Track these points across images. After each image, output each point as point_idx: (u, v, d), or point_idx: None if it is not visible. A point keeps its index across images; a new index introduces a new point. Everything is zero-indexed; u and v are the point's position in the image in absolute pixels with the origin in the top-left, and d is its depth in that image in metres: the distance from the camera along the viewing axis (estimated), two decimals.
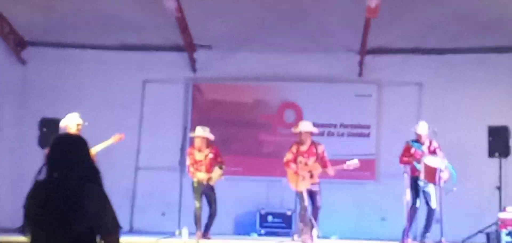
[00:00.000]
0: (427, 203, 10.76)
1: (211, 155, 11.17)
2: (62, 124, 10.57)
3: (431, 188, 10.65)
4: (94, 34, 13.86)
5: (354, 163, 10.87)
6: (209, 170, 11.11)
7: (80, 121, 10.48)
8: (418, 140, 10.89)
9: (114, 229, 3.64)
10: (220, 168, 11.13)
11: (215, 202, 11.15)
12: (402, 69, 13.68)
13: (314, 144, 11.07)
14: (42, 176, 3.65)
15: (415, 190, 10.68)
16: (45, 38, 14.11)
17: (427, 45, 13.55)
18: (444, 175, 10.47)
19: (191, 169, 11.14)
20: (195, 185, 11.11)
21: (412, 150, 10.85)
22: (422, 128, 10.90)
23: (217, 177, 11.13)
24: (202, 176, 11.06)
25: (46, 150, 10.13)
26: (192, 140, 11.54)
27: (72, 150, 3.69)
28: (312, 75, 13.76)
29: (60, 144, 3.75)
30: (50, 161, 3.68)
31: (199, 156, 11.15)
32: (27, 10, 13.19)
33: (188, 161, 11.19)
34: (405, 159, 10.87)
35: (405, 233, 10.46)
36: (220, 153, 11.30)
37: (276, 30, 13.34)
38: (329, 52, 13.73)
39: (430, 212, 10.73)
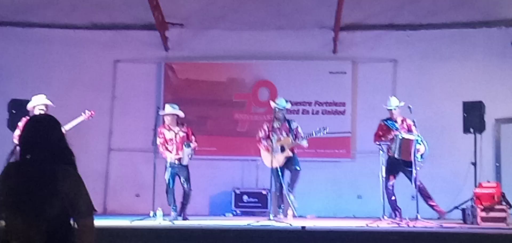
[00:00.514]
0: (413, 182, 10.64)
1: (182, 134, 10.97)
2: (29, 106, 10.40)
3: (411, 166, 10.53)
4: (63, 13, 13.62)
5: (323, 127, 10.77)
6: (179, 148, 10.94)
7: (48, 102, 10.31)
8: (390, 118, 10.81)
9: (88, 212, 3.60)
10: (188, 146, 10.93)
11: (188, 181, 10.98)
12: (376, 45, 13.63)
13: (287, 121, 11.01)
14: (14, 158, 3.62)
15: (390, 169, 10.63)
16: (13, 18, 13.80)
17: (402, 20, 13.50)
18: (421, 149, 10.43)
19: (161, 148, 10.96)
20: (167, 164, 10.94)
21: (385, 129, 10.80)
22: (392, 103, 10.80)
23: (185, 156, 10.94)
24: (171, 156, 10.89)
25: (16, 132, 10.03)
26: (163, 119, 11.35)
27: (45, 132, 3.65)
28: (286, 52, 13.65)
29: (33, 126, 3.72)
30: (23, 142, 3.65)
31: (169, 134, 10.95)
32: None
33: (158, 140, 11.00)
34: (379, 136, 10.80)
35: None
36: (192, 132, 11.11)
37: (249, 7, 13.22)
38: (303, 29, 13.64)
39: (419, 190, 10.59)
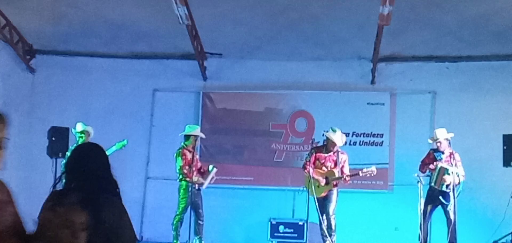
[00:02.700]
0: (446, 214, 10.65)
1: (197, 156, 10.93)
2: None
3: (449, 199, 10.53)
4: (103, 42, 13.79)
5: (371, 170, 10.78)
6: (198, 172, 10.92)
7: (87, 129, 10.53)
8: (438, 149, 10.81)
9: (130, 241, 3.63)
10: (212, 169, 10.91)
11: (202, 207, 10.94)
12: (415, 77, 13.53)
13: (337, 152, 10.94)
14: (59, 186, 3.64)
15: (428, 199, 10.64)
16: (54, 46, 14.06)
17: (441, 52, 13.39)
18: (447, 179, 10.46)
19: (185, 170, 10.87)
20: (184, 187, 10.86)
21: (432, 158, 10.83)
22: (438, 135, 10.80)
23: (208, 180, 10.91)
24: (196, 179, 10.84)
25: (60, 160, 10.19)
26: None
27: (90, 161, 3.66)
28: (324, 83, 13.62)
29: (78, 153, 3.76)
30: (68, 170, 3.66)
31: (190, 156, 10.92)
32: (36, 18, 13.11)
33: (181, 162, 10.89)
34: (425, 163, 10.82)
35: None
36: None
37: (287, 37, 13.22)
38: (341, 60, 13.61)
39: (449, 223, 10.59)
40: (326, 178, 10.82)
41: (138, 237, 13.19)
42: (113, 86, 14.04)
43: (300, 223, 12.64)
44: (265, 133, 13.84)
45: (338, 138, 10.87)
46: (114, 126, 13.01)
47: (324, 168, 10.87)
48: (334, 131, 10.90)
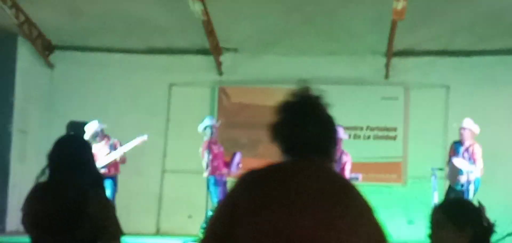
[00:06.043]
0: None
1: (222, 148, 10.99)
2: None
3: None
4: (120, 38, 13.93)
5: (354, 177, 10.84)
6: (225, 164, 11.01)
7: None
8: (460, 141, 10.82)
9: (117, 235, 3.53)
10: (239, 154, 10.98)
11: None
12: (429, 71, 13.56)
13: (341, 152, 10.99)
14: (44, 178, 3.56)
15: (446, 194, 10.69)
16: (73, 42, 14.22)
17: (455, 46, 13.41)
18: (461, 179, 10.44)
19: (214, 164, 10.97)
20: (213, 182, 10.93)
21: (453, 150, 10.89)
22: (466, 122, 10.83)
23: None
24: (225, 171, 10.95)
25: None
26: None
27: (75, 153, 3.59)
28: (338, 77, 13.65)
29: (62, 146, 3.64)
30: (52, 162, 3.57)
31: (216, 149, 11.01)
32: (54, 14, 13.27)
33: (209, 156, 11.01)
34: (450, 156, 10.88)
35: None
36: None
37: (301, 32, 13.30)
38: (355, 55, 13.66)
39: None
40: None
41: (155, 230, 13.39)
42: (130, 81, 14.17)
43: None
44: None
45: (341, 133, 10.99)
46: (131, 120, 13.16)
47: None
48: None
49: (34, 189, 3.53)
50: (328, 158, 2.67)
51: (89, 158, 3.66)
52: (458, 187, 10.51)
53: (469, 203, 3.36)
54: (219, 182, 10.94)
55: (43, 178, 3.55)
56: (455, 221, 3.23)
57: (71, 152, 3.60)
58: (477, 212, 3.26)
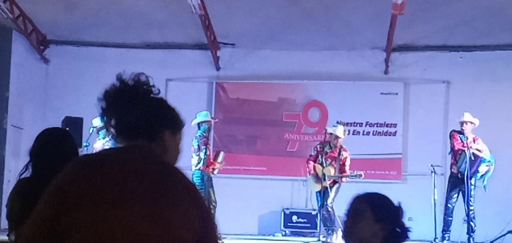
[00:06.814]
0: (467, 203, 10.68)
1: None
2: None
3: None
4: (116, 32, 13.82)
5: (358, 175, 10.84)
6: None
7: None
8: (462, 132, 10.83)
9: None
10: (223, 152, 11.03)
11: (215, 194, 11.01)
12: (429, 67, 13.49)
13: (340, 148, 10.99)
14: (27, 174, 3.53)
15: (453, 186, 10.67)
16: (68, 36, 14.09)
17: (455, 42, 13.34)
18: (481, 169, 10.44)
19: (211, 159, 10.96)
20: (201, 177, 10.89)
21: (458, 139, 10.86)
22: (467, 116, 10.86)
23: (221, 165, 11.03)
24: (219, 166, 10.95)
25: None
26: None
27: (56, 146, 3.54)
28: (338, 73, 13.59)
29: (42, 140, 3.61)
30: (34, 156, 3.56)
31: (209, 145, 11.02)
32: (50, 9, 13.14)
33: (207, 152, 10.93)
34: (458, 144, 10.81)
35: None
36: None
37: (300, 27, 13.20)
38: (354, 50, 13.58)
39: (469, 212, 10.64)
40: (323, 174, 10.87)
41: None
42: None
43: (313, 213, 12.66)
44: (278, 123, 13.83)
45: (341, 131, 10.99)
46: None
47: (322, 165, 10.91)
48: (335, 126, 11.06)
49: (17, 185, 3.52)
50: (155, 141, 2.72)
51: (72, 149, 3.60)
52: (478, 177, 10.50)
53: (391, 201, 3.34)
54: (209, 179, 10.89)
55: (27, 174, 3.53)
56: (377, 212, 3.22)
57: (52, 145, 3.55)
58: (397, 211, 3.29)
